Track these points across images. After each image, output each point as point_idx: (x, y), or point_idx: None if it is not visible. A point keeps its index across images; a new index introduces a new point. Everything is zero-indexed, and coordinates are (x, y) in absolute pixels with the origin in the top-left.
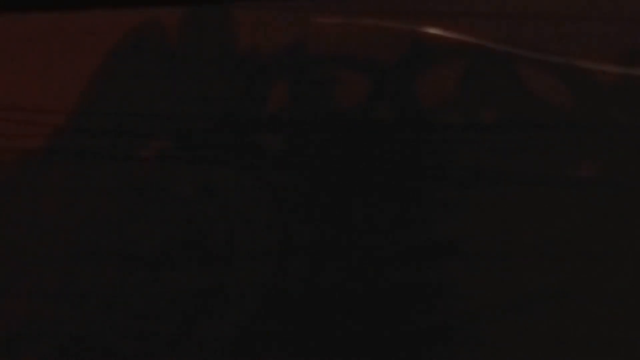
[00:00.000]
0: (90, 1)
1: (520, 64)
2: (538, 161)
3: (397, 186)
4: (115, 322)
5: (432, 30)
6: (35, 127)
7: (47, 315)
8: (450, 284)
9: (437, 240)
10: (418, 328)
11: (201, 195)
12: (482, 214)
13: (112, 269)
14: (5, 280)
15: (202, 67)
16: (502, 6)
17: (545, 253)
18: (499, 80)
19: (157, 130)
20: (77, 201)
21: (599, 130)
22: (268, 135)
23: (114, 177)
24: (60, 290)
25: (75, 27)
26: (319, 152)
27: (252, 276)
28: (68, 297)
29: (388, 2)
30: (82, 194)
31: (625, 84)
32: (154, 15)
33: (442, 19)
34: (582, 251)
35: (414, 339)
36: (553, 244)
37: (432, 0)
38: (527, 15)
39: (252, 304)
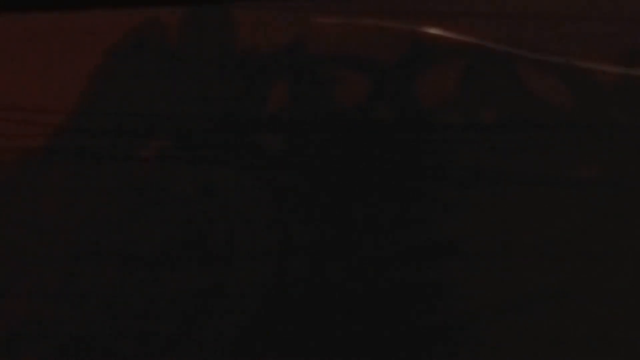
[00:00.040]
0: (90, 1)
1: (520, 64)
2: (538, 161)
3: (397, 186)
4: (115, 322)
5: (432, 30)
6: (35, 127)
7: (47, 315)
8: (450, 284)
9: (437, 240)
10: (418, 328)
11: (201, 195)
12: (482, 214)
13: (112, 269)
14: (5, 280)
15: (202, 67)
16: (502, 6)
17: (545, 253)
18: (499, 80)
19: (157, 130)
20: (77, 201)
21: (599, 130)
22: (268, 135)
23: (114, 177)
24: (60, 290)
25: (75, 27)
26: (319, 152)
27: (252, 276)
28: (68, 297)
29: (388, 2)
30: (82, 194)
31: (625, 84)
32: (154, 15)
33: (442, 19)
34: (582, 251)
35: (414, 339)
36: (553, 244)
37: (432, 0)
38: (527, 15)
39: (252, 304)
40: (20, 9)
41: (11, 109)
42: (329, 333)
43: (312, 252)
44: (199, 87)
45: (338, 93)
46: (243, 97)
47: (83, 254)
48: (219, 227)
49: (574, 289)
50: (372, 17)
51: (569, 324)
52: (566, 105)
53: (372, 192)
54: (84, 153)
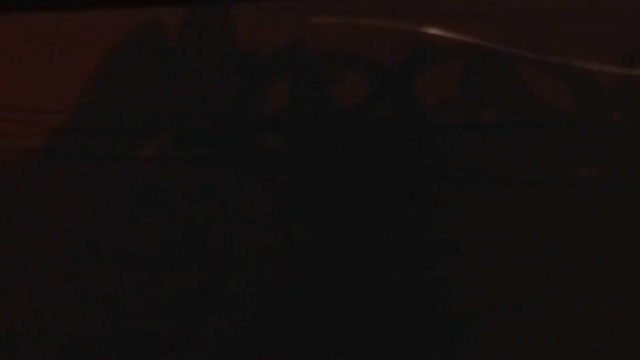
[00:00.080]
0: (90, 1)
1: (520, 64)
2: (538, 161)
3: (397, 186)
4: (115, 322)
5: (432, 30)
6: (35, 127)
7: (47, 315)
8: (450, 284)
9: (437, 240)
10: (418, 328)
11: (201, 195)
12: (482, 214)
13: (112, 268)
14: (5, 280)
15: (202, 67)
16: (502, 6)
17: (545, 253)
18: (499, 80)
19: (157, 130)
20: (77, 201)
21: (599, 130)
22: (268, 135)
23: (114, 177)
24: (60, 290)
25: (75, 27)
26: (319, 152)
27: (252, 276)
28: (68, 297)
29: (388, 2)
30: (82, 194)
31: (625, 84)
32: (154, 15)
33: (442, 19)
34: (582, 251)
35: (414, 339)
36: (553, 244)
37: (432, 0)
38: (527, 15)
39: (252, 304)
40: (20, 9)
41: (11, 109)
42: (328, 333)
43: (312, 252)
44: (199, 87)
45: (338, 93)
46: (243, 97)
47: (83, 254)
48: (219, 227)
49: (574, 289)
50: (372, 17)
51: (569, 324)
52: (566, 105)
53: (372, 192)
54: (84, 153)
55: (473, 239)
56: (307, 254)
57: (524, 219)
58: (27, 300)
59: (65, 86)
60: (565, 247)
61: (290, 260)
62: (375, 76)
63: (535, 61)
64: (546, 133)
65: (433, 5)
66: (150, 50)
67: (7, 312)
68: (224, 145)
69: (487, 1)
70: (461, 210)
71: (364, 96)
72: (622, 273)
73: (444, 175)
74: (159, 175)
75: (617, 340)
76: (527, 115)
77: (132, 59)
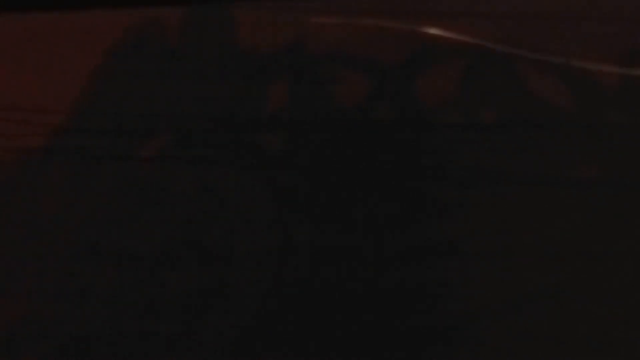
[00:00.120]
0: (90, 1)
1: (520, 64)
2: (538, 161)
3: (397, 186)
4: (115, 322)
5: (432, 30)
6: (35, 127)
7: (47, 315)
8: (450, 284)
9: (437, 240)
10: (418, 328)
11: (201, 195)
12: (482, 214)
13: (112, 268)
14: (5, 280)
15: (202, 67)
16: (502, 6)
17: (545, 253)
18: (499, 80)
19: (157, 130)
20: (77, 201)
21: (599, 130)
22: (268, 135)
23: (114, 177)
24: (60, 289)
25: (75, 27)
26: (319, 152)
27: (252, 276)
28: (68, 297)
29: (388, 2)
30: (82, 194)
31: (625, 84)
32: (154, 15)
33: (442, 19)
34: (582, 251)
35: (414, 339)
36: (553, 244)
37: (432, 0)
38: (527, 15)
39: (252, 304)
40: (20, 9)
41: (11, 109)
42: (328, 333)
43: (312, 252)
44: (199, 87)
45: (338, 93)
46: (243, 97)
47: (83, 254)
48: (219, 227)
49: (574, 289)
50: (372, 17)
51: (569, 324)
52: (566, 105)
53: (372, 192)
54: (84, 153)
55: (473, 239)
56: (307, 254)
57: (524, 219)
58: (27, 300)
59: (65, 86)
60: (565, 247)
61: (290, 260)
62: (375, 76)
63: (535, 61)
64: (546, 133)
65: (433, 5)
66: (150, 50)
67: (7, 312)
68: (224, 145)
69: (487, 1)
70: (461, 210)
71: (364, 96)
72: (622, 273)
73: (444, 175)
74: (159, 175)
75: (617, 340)
76: (527, 115)
77: (132, 59)
